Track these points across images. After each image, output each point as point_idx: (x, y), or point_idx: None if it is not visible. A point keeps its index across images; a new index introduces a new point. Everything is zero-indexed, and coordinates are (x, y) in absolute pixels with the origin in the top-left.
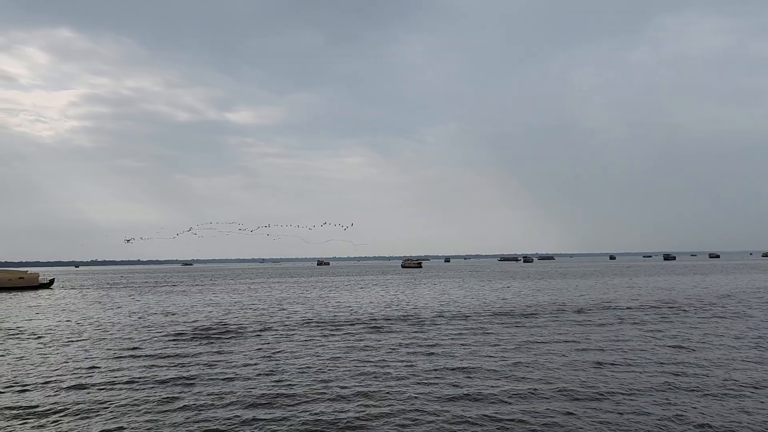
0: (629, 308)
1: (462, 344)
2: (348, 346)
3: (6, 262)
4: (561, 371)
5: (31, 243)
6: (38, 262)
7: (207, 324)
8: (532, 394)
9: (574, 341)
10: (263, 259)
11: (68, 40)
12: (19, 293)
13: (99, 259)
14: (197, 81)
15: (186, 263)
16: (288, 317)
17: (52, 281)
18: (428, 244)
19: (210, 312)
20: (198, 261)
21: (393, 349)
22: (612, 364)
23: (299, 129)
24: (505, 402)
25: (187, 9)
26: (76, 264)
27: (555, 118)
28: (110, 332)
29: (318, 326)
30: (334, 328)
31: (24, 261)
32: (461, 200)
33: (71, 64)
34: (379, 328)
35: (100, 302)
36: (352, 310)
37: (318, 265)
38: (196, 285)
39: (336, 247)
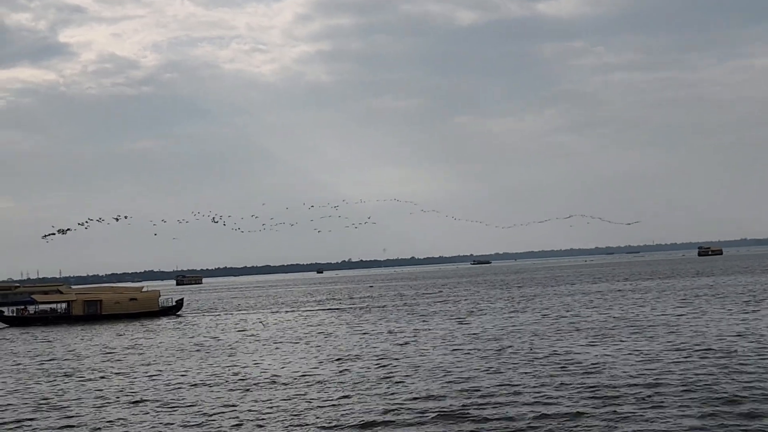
0: None
1: None
2: None
3: (228, 268)
4: None
5: (259, 239)
6: (268, 266)
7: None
8: None
9: None
10: (611, 249)
11: None
12: (128, 323)
13: (353, 259)
14: None
15: (478, 261)
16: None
17: (180, 303)
18: None
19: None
20: (504, 256)
21: None
22: None
23: (665, 17)
24: None
25: None
26: (319, 269)
27: None
28: None
29: None
30: None
31: (247, 266)
32: None
33: None
34: None
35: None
36: None
37: (700, 254)
38: (488, 299)
39: (746, 220)
